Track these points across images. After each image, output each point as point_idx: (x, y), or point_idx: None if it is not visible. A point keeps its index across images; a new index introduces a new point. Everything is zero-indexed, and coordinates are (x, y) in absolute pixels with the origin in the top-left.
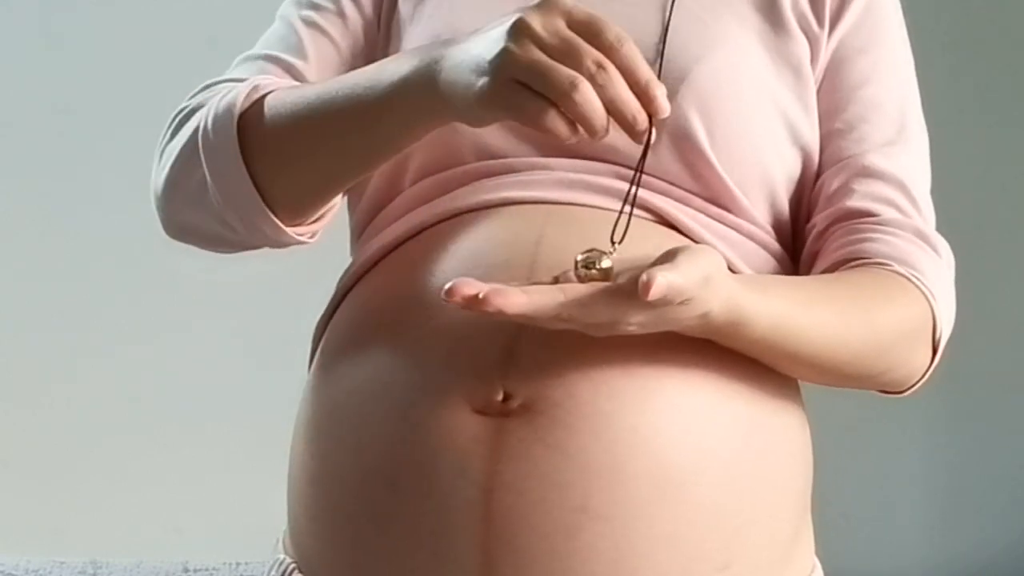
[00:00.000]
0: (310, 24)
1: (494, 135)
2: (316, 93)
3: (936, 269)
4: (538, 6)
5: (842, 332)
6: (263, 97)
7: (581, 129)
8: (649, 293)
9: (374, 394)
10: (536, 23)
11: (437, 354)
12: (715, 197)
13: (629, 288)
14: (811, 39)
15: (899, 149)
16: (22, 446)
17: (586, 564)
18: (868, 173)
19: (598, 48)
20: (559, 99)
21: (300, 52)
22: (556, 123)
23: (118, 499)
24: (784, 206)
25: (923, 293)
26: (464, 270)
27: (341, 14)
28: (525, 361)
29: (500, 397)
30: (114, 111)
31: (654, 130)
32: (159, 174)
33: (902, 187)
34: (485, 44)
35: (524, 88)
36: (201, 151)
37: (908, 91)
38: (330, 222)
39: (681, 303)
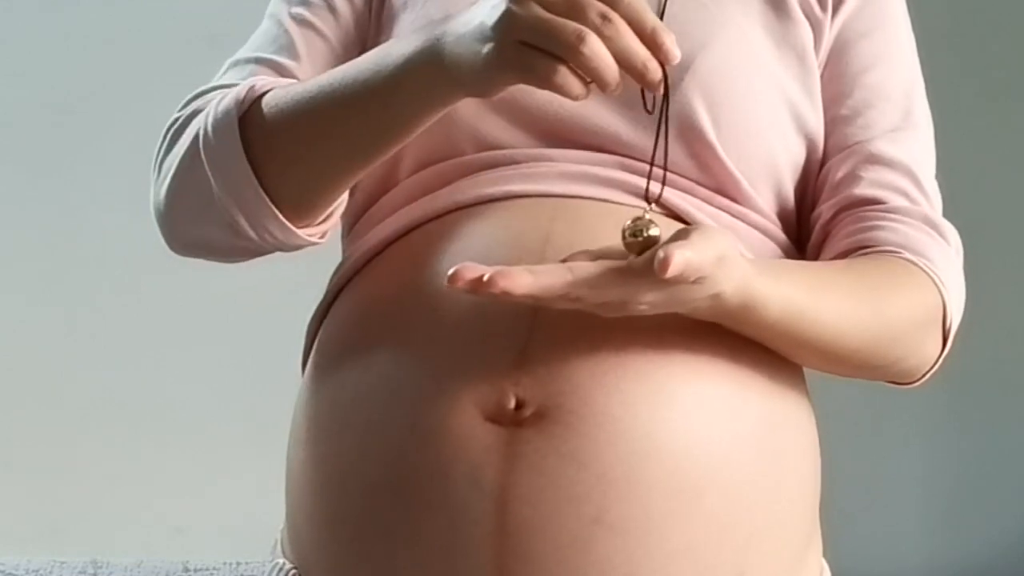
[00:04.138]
0: (300, 21)
1: (493, 125)
2: (318, 85)
3: (945, 257)
4: None
5: (854, 319)
6: (261, 96)
7: (593, 85)
8: (667, 270)
9: (380, 401)
10: None
11: (445, 360)
12: (721, 187)
13: (640, 266)
14: (814, 24)
15: (906, 135)
16: (22, 446)
17: None
18: (875, 160)
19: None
20: (568, 54)
21: (291, 52)
22: (568, 80)
23: (118, 499)
24: (789, 195)
25: (933, 281)
26: None
27: (332, 8)
28: (537, 367)
29: (512, 405)
30: (114, 111)
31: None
32: (159, 188)
33: (909, 174)
34: (485, 10)
35: (531, 48)
36: (204, 156)
37: (913, 75)
38: (337, 222)
39: (695, 282)
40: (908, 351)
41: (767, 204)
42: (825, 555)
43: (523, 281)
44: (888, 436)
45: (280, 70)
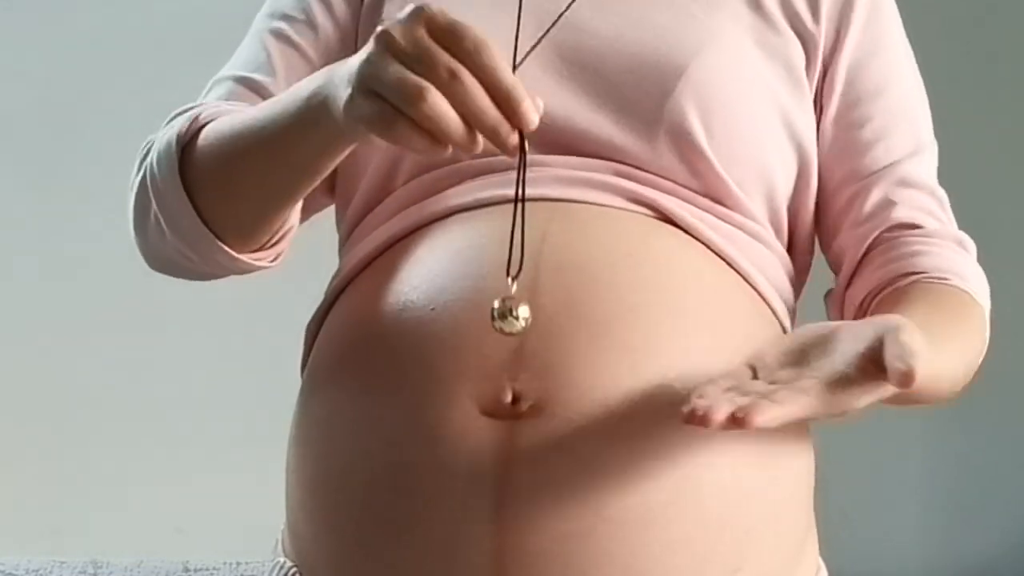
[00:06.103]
0: (280, 37)
1: None
2: (241, 122)
3: (978, 275)
4: (404, 15)
5: (956, 372)
6: (203, 127)
7: (451, 143)
8: (914, 382)
9: (379, 398)
10: (396, 32)
11: (444, 356)
12: (713, 193)
13: (870, 376)
14: (805, 39)
15: (922, 157)
16: (22, 446)
17: (600, 570)
18: (905, 183)
19: (456, 55)
20: (407, 108)
21: (269, 69)
22: (407, 133)
23: (118, 499)
24: (781, 202)
25: (983, 310)
26: (466, 269)
27: (312, 25)
28: (533, 361)
29: (510, 399)
30: (114, 111)
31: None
32: (129, 210)
33: (934, 195)
34: (362, 54)
35: (378, 98)
36: (150, 189)
37: (919, 92)
38: (289, 244)
39: None
40: (968, 381)
41: (759, 211)
42: (823, 555)
43: (773, 413)
44: (888, 436)
45: (257, 89)
